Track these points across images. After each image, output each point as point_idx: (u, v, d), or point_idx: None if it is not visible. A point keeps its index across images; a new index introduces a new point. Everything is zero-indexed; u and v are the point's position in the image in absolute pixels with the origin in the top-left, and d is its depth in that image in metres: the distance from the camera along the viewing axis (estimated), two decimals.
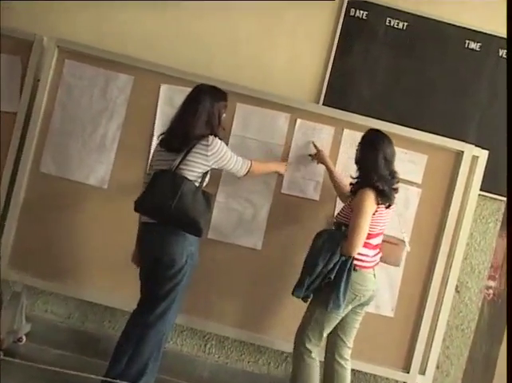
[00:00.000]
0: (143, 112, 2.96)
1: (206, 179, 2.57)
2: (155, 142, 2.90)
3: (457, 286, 3.07)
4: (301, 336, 2.58)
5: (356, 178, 2.61)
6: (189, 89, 2.80)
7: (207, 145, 2.48)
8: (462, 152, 2.93)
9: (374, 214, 2.51)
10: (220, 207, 2.95)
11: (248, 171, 2.66)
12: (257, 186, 2.95)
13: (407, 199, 2.94)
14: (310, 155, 2.92)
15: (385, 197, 2.52)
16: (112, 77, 2.98)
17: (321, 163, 2.89)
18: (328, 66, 3.17)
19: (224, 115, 2.64)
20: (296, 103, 2.97)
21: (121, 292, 2.89)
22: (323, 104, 3.13)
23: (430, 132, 2.95)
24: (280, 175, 2.95)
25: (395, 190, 2.58)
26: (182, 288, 2.53)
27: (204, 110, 2.51)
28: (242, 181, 2.84)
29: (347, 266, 2.47)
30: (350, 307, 2.55)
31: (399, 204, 2.88)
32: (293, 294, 2.54)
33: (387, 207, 2.56)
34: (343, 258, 2.48)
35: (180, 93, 2.83)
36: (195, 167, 2.49)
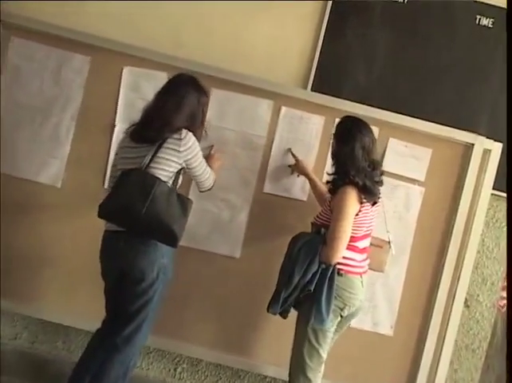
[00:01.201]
0: (102, 98, 2.89)
1: (180, 181, 2.48)
2: (117, 133, 2.83)
3: (466, 300, 3.03)
4: (298, 362, 2.48)
5: (333, 174, 2.56)
6: (156, 73, 2.80)
7: (180, 139, 2.40)
8: (473, 144, 2.89)
9: (358, 214, 2.45)
10: (193, 209, 2.73)
11: (213, 185, 2.63)
12: (235, 184, 2.90)
13: (409, 199, 2.90)
14: (290, 165, 2.85)
15: (368, 193, 2.46)
16: (67, 58, 2.89)
17: (302, 174, 2.82)
18: (318, 45, 3.08)
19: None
20: (280, 88, 2.91)
21: (77, 308, 2.82)
22: (311, 90, 3.05)
23: (434, 122, 2.90)
24: (262, 172, 2.87)
25: (379, 183, 2.53)
26: (153, 306, 2.44)
27: (188, 103, 2.47)
28: (217, 179, 2.74)
29: (328, 274, 2.41)
30: (340, 319, 2.49)
31: (399, 205, 2.91)
32: (268, 310, 2.49)
33: (372, 205, 2.52)
34: (323, 266, 2.42)
35: (146, 77, 2.83)
36: (167, 166, 2.40)
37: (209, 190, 2.63)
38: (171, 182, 2.43)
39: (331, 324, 2.45)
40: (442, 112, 3.06)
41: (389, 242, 2.67)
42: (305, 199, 2.89)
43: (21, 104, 2.90)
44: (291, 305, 2.47)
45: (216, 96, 2.86)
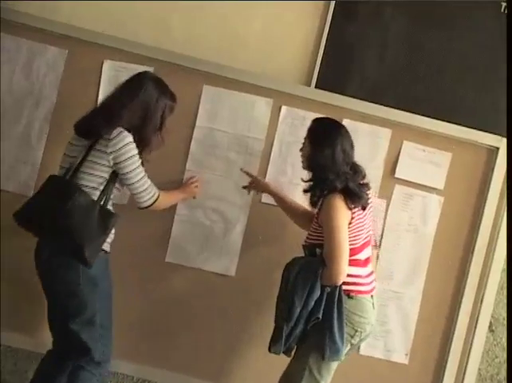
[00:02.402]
0: (80, 96, 2.83)
1: (115, 192, 2.44)
2: None
3: (491, 324, 3.00)
4: None
5: (309, 181, 2.52)
6: (140, 67, 2.73)
7: (109, 139, 2.34)
8: (497, 148, 2.87)
9: (351, 223, 2.41)
10: (181, 221, 2.86)
11: (153, 203, 2.50)
12: (230, 193, 2.87)
13: (426, 210, 2.87)
14: (244, 187, 2.79)
15: (355, 197, 2.42)
16: (40, 51, 2.85)
17: (263, 192, 2.77)
18: (323, 38, 3.01)
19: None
20: (280, 85, 2.88)
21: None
22: (315, 87, 2.99)
23: (454, 123, 2.88)
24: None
25: (365, 186, 2.50)
26: (96, 323, 2.42)
27: (143, 101, 2.43)
28: (209, 187, 2.75)
29: (335, 298, 2.36)
30: (349, 347, 2.44)
31: (414, 217, 2.87)
32: (270, 350, 2.44)
33: (363, 209, 2.48)
34: (328, 290, 2.36)
35: (129, 72, 2.79)
36: (94, 170, 2.37)
37: (147, 208, 2.50)
38: (100, 189, 2.38)
39: (343, 355, 2.42)
40: (463, 111, 3.03)
41: (378, 245, 2.74)
42: (308, 209, 2.79)
43: None
44: (296, 340, 2.42)
45: (207, 94, 2.84)
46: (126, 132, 2.37)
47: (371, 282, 2.51)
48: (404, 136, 2.83)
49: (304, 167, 2.55)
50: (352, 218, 2.42)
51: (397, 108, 2.86)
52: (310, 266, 2.41)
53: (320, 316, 2.36)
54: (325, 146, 2.46)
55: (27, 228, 2.42)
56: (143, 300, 2.77)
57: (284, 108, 2.87)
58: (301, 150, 2.56)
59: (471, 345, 2.88)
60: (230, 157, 2.82)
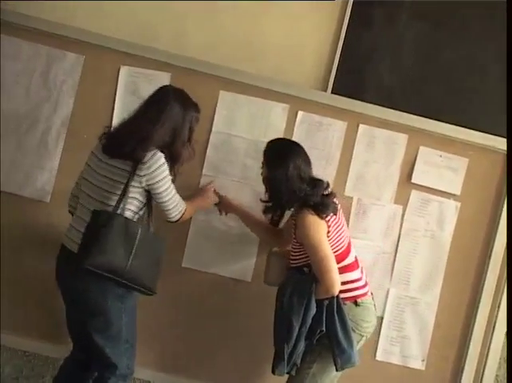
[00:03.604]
0: (97, 102, 2.85)
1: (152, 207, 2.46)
2: None
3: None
4: None
5: (266, 202, 2.57)
6: (157, 73, 2.79)
7: (143, 162, 2.33)
8: None
9: (329, 231, 2.43)
10: (198, 227, 2.85)
11: (181, 217, 2.53)
12: (246, 198, 2.84)
13: (442, 215, 2.86)
14: (216, 204, 2.77)
15: (324, 209, 2.43)
16: (57, 57, 2.86)
17: (229, 211, 2.79)
18: (339, 43, 3.03)
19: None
20: (297, 90, 2.87)
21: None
22: (332, 92, 3.01)
23: (471, 129, 2.87)
24: None
25: (330, 195, 2.50)
26: (123, 338, 2.43)
27: (171, 117, 2.42)
28: (226, 192, 2.74)
29: (334, 308, 2.38)
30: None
31: (431, 222, 2.86)
32: (273, 372, 2.44)
33: (335, 214, 2.50)
34: (326, 303, 2.38)
35: (146, 78, 2.84)
36: (131, 193, 2.36)
37: (175, 222, 2.52)
38: (138, 213, 2.41)
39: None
40: (480, 116, 3.02)
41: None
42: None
43: (5, 108, 2.85)
44: (299, 357, 2.42)
45: (224, 100, 2.84)
46: (159, 153, 2.37)
47: (366, 283, 2.53)
48: (421, 141, 2.82)
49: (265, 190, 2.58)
50: (329, 226, 2.44)
51: (414, 114, 2.85)
52: (302, 284, 2.42)
53: (324, 328, 2.37)
54: (278, 166, 2.49)
55: (96, 271, 2.36)
56: (160, 305, 2.74)
57: (300, 114, 2.86)
58: (262, 174, 2.59)
59: (488, 351, 2.86)
60: (247, 163, 2.82)
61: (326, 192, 2.50)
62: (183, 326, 2.80)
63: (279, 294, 2.49)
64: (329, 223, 2.43)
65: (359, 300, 2.44)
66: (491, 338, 2.85)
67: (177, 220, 2.53)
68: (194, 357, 2.84)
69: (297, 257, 2.50)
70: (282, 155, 2.51)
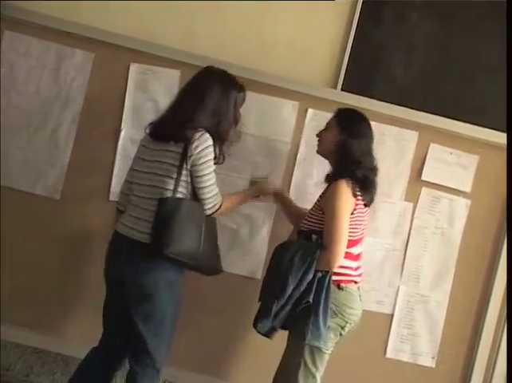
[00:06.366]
0: (107, 99, 2.87)
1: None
2: (123, 138, 2.84)
3: None
4: None
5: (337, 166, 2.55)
6: (167, 70, 2.84)
7: (191, 142, 2.31)
8: None
9: (352, 213, 2.43)
10: None
11: (216, 210, 2.45)
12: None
13: (453, 213, 2.88)
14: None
15: (365, 188, 2.46)
16: (67, 54, 2.89)
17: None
18: (349, 40, 3.01)
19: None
20: (307, 88, 2.89)
21: (78, 335, 2.79)
22: (341, 90, 2.99)
23: (482, 126, 2.88)
24: (286, 182, 2.84)
25: (376, 184, 2.53)
26: (167, 328, 2.42)
27: (212, 98, 2.41)
28: (236, 190, 2.71)
29: (325, 284, 2.38)
30: (339, 338, 2.45)
31: (441, 220, 2.88)
32: (255, 326, 2.44)
33: (365, 206, 2.51)
34: (319, 275, 2.38)
35: (155, 75, 2.85)
36: (184, 176, 2.36)
37: (211, 215, 2.45)
38: (188, 194, 2.39)
39: (331, 344, 2.41)
40: (490, 114, 3.00)
41: None
42: None
43: (16, 105, 2.89)
44: (280, 322, 2.42)
45: None
46: (207, 135, 2.36)
47: (359, 275, 2.53)
48: (431, 138, 2.84)
49: (321, 152, 2.57)
50: (355, 209, 2.44)
51: (424, 111, 2.86)
52: (306, 249, 2.42)
53: (311, 300, 2.36)
54: (361, 136, 2.50)
55: (179, 259, 2.39)
56: None
57: (310, 111, 2.88)
58: (319, 142, 2.58)
59: (499, 348, 2.87)
60: (257, 160, 2.84)
61: (375, 179, 2.52)
62: (193, 324, 2.80)
63: (277, 256, 2.48)
64: (356, 207, 2.43)
65: (342, 284, 2.42)
66: (501, 335, 2.86)
67: (211, 213, 2.46)
68: (207, 354, 2.84)
69: (312, 221, 2.49)
70: (365, 128, 2.53)
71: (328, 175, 2.54)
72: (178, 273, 2.42)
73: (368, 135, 2.53)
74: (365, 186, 2.48)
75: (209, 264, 2.45)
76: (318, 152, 2.57)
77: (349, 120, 2.58)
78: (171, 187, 2.31)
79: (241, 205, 2.68)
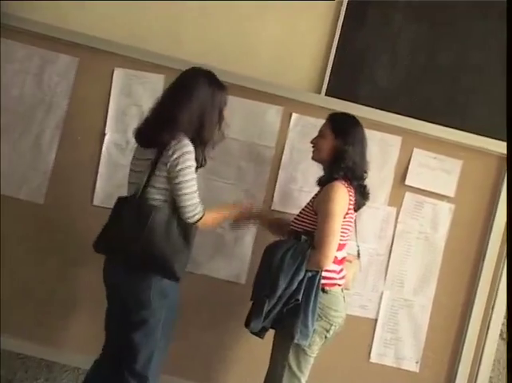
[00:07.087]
0: (90, 104, 2.88)
1: None
2: (107, 143, 2.84)
3: (502, 332, 2.96)
4: None
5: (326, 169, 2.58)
6: (151, 75, 2.85)
7: (168, 149, 2.29)
8: None
9: (344, 217, 2.44)
10: None
11: (198, 220, 2.39)
12: (240, 201, 2.80)
13: (436, 217, 2.89)
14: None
15: (359, 192, 2.49)
16: (51, 59, 2.89)
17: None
18: (333, 45, 3.01)
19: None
20: (291, 93, 2.89)
21: (62, 340, 2.79)
22: (326, 95, 2.99)
23: (465, 131, 2.88)
24: (270, 187, 2.85)
25: (365, 187, 2.54)
26: (159, 335, 2.39)
27: (198, 99, 2.38)
28: (220, 194, 2.76)
29: (314, 283, 2.39)
30: (324, 340, 2.46)
31: (425, 225, 2.90)
32: (247, 326, 2.43)
33: (355, 211, 2.54)
34: (309, 275, 2.39)
35: (140, 80, 2.86)
36: (160, 183, 2.33)
37: (193, 223, 2.38)
38: (167, 204, 2.36)
39: (316, 348, 2.42)
40: (474, 119, 3.01)
41: (358, 256, 2.68)
42: None
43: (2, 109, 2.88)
44: (270, 322, 2.42)
45: None
46: (186, 141, 2.32)
47: (342, 278, 2.53)
48: (415, 143, 2.85)
49: (317, 159, 2.57)
50: (347, 213, 2.45)
51: (408, 116, 2.87)
52: (297, 249, 2.42)
53: (300, 299, 2.37)
54: (354, 142, 2.51)
55: (108, 254, 2.41)
56: None
57: (294, 116, 2.89)
58: (314, 148, 2.58)
59: (482, 353, 2.88)
60: (241, 165, 2.84)
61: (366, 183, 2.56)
62: (176, 328, 2.69)
63: (268, 255, 2.47)
64: (348, 212, 2.44)
65: (327, 287, 2.44)
66: (485, 340, 2.86)
67: (194, 223, 2.40)
68: (188, 359, 2.83)
69: (304, 221, 2.50)
70: (360, 132, 2.54)
71: (321, 178, 2.56)
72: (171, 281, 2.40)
73: (361, 139, 2.55)
74: (359, 190, 2.51)
75: (154, 262, 2.34)
76: (313, 158, 2.57)
77: (343, 125, 2.59)
78: (149, 194, 2.30)
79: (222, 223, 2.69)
